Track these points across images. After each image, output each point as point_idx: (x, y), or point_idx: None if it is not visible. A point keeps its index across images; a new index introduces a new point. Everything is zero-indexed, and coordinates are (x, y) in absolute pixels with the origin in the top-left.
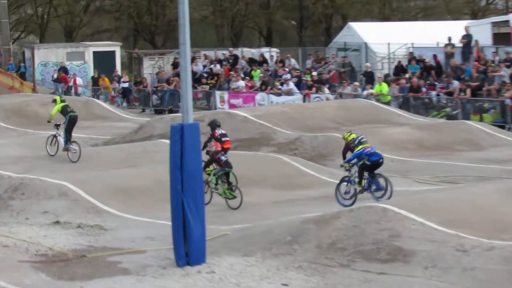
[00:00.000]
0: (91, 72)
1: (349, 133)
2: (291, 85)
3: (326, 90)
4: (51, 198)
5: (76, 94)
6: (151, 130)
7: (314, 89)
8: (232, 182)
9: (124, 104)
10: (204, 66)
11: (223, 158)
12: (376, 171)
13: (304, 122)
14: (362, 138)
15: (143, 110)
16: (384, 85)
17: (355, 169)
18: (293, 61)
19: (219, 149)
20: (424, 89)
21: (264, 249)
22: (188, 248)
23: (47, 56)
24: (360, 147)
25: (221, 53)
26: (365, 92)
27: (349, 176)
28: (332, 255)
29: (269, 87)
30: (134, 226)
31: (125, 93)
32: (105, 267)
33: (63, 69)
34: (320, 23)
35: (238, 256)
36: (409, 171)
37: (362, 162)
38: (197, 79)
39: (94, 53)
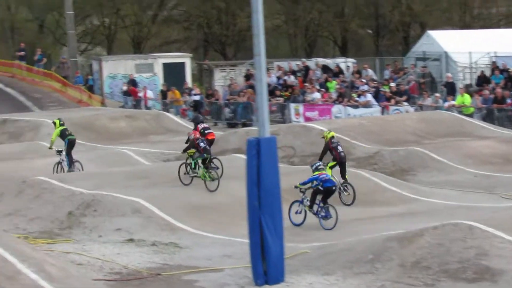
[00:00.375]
0: (160, 84)
1: (328, 131)
2: (369, 96)
3: (405, 102)
4: (124, 215)
5: (146, 107)
6: (225, 145)
7: (393, 101)
8: (210, 166)
9: None
10: (278, 78)
11: (201, 144)
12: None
13: (383, 135)
14: (319, 165)
15: (216, 124)
16: (467, 96)
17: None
18: (370, 71)
19: (198, 135)
20: (509, 101)
21: (344, 268)
22: (267, 266)
23: (116, 68)
24: (316, 173)
25: (295, 64)
26: (446, 104)
27: (302, 198)
28: (416, 274)
29: (345, 99)
30: (210, 244)
31: (196, 106)
32: (181, 286)
33: (132, 82)
34: (397, 31)
35: (318, 275)
36: (495, 186)
37: (316, 187)
38: (270, 91)
39: (164, 64)
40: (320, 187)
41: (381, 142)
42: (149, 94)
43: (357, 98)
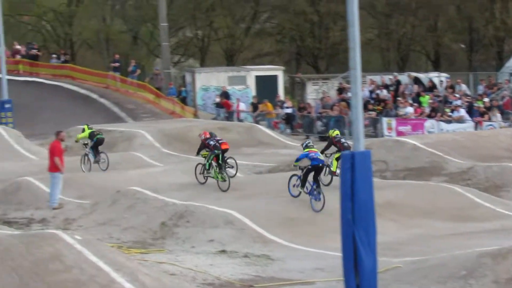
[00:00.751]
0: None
1: (333, 130)
2: (462, 112)
3: (499, 117)
4: (216, 226)
5: (239, 119)
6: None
7: (486, 117)
8: (222, 164)
9: (288, 130)
10: (371, 92)
11: (211, 142)
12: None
13: (477, 151)
14: (309, 143)
15: (308, 137)
16: None
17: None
18: (463, 86)
19: (208, 135)
20: None
21: (437, 283)
22: (360, 280)
23: (208, 80)
24: (306, 150)
25: (388, 78)
26: None
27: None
28: None
29: (439, 114)
30: (303, 257)
31: (288, 119)
32: None
33: (225, 94)
34: (491, 46)
35: None
36: None
37: (305, 167)
38: (363, 105)
39: (256, 77)
40: (309, 166)
41: (474, 158)
42: (242, 106)
43: (450, 113)
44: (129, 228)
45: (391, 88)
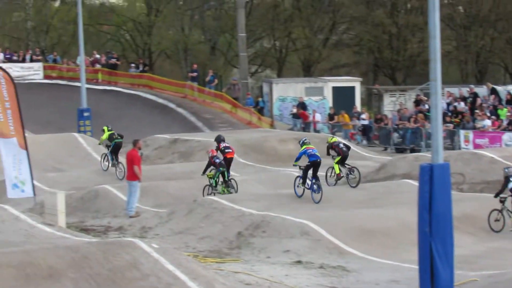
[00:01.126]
0: (329, 108)
1: (331, 137)
2: None
3: None
4: (292, 237)
5: (315, 130)
6: (393, 170)
7: None
8: (227, 180)
9: (364, 141)
10: (448, 104)
11: (217, 160)
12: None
13: None
14: (305, 140)
15: (385, 149)
16: None
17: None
18: None
19: (215, 154)
20: None
21: None
22: None
23: (285, 91)
24: (303, 147)
25: (466, 90)
26: None
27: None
28: None
29: None
30: (378, 269)
31: (365, 130)
32: None
33: (302, 105)
34: None
35: None
36: None
37: (305, 165)
38: None
39: (334, 88)
40: (307, 162)
41: None
42: (318, 117)
43: None
44: (205, 237)
45: (468, 100)
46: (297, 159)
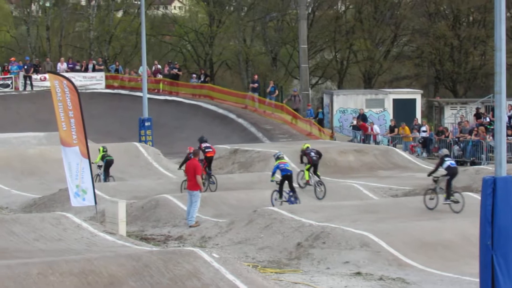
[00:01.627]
0: (390, 120)
1: (304, 144)
2: None
3: None
4: (352, 248)
5: (375, 142)
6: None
7: None
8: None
9: (424, 154)
10: (509, 117)
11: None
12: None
13: None
14: (279, 154)
15: None
16: None
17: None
18: None
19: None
20: None
21: None
22: None
23: (346, 103)
24: (277, 162)
25: None
26: None
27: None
28: None
29: None
30: (438, 281)
31: (425, 142)
32: None
33: (362, 117)
34: None
35: None
36: None
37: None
38: None
39: (394, 100)
40: (279, 176)
41: None
42: (375, 129)
43: None
44: (264, 247)
45: None
46: (273, 174)
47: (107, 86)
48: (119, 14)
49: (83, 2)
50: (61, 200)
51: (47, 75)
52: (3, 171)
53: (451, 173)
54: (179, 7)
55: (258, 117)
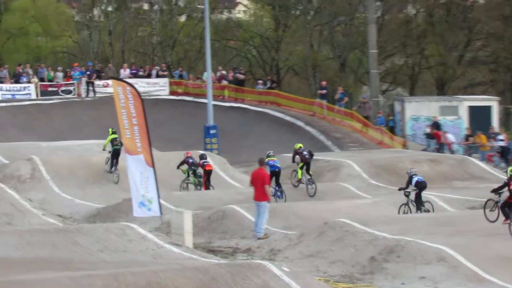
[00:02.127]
0: (465, 128)
1: (296, 144)
2: None
3: None
4: (428, 263)
5: (450, 151)
6: None
7: None
8: (197, 173)
9: (502, 164)
10: None
11: (190, 160)
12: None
13: None
14: (270, 153)
15: None
16: None
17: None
18: None
19: (189, 155)
20: None
21: None
22: None
23: (419, 110)
24: (267, 159)
25: None
26: None
27: None
28: None
29: None
30: None
31: (503, 152)
32: None
33: (436, 125)
34: None
35: None
36: None
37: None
38: None
39: (469, 107)
40: (268, 172)
41: None
42: (449, 137)
43: None
44: (336, 261)
45: None
46: None
47: (171, 93)
48: (182, 18)
49: (146, 7)
50: (126, 210)
51: (110, 81)
52: (67, 179)
53: (420, 187)
54: (244, 11)
55: (327, 124)
